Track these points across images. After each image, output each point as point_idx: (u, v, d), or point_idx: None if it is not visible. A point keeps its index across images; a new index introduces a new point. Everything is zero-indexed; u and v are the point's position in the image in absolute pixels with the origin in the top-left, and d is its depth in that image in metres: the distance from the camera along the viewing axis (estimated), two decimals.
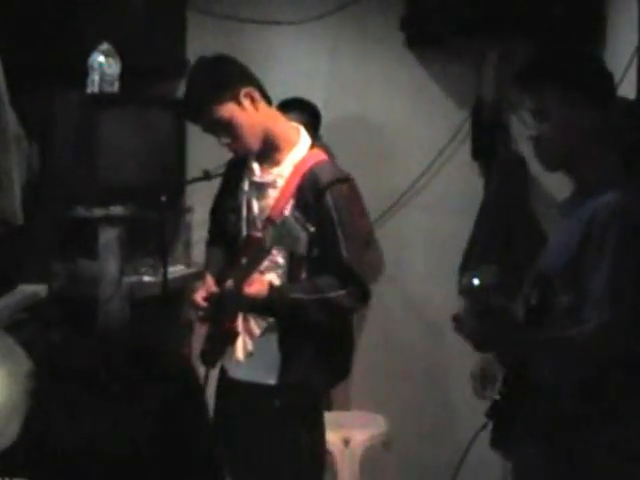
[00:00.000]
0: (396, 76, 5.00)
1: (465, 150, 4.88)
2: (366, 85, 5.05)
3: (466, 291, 2.72)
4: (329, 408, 4.88)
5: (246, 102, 3.19)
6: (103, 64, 4.07)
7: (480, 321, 2.69)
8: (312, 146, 3.30)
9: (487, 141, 4.77)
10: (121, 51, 4.18)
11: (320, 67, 5.07)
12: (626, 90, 3.80)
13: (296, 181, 3.20)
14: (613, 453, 2.63)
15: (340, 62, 5.07)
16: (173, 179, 4.38)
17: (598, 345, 2.56)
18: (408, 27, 4.81)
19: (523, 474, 2.88)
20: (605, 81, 2.82)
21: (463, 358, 4.86)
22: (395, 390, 5.00)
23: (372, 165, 4.98)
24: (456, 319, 2.75)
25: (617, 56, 4.12)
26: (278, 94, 4.59)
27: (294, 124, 3.38)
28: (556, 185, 3.93)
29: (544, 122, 2.71)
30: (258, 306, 3.21)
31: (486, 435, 3.07)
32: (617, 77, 3.94)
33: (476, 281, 2.70)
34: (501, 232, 4.71)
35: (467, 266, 4.89)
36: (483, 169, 4.89)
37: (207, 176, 3.52)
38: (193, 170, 4.54)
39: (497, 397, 2.83)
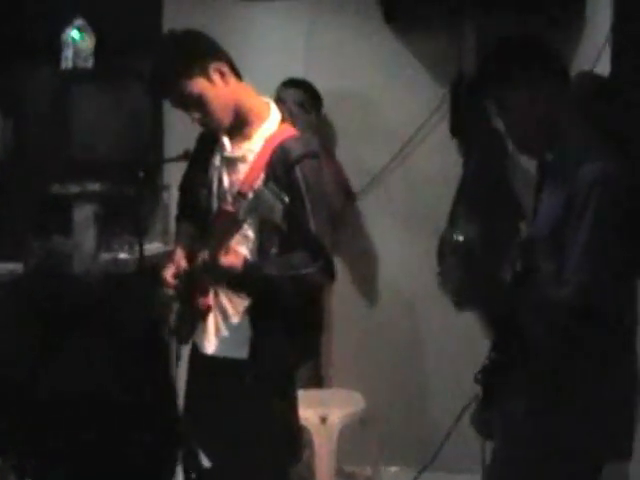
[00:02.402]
0: (374, 51, 4.98)
1: (444, 126, 4.87)
2: (344, 60, 5.02)
3: (452, 248, 2.74)
4: (319, 385, 4.90)
5: (216, 77, 3.17)
6: (77, 40, 4.03)
7: (464, 275, 2.72)
8: (282, 121, 3.28)
9: (466, 117, 4.75)
10: (95, 27, 4.14)
11: (298, 42, 5.04)
12: (604, 66, 3.79)
13: (266, 155, 3.19)
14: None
15: (318, 37, 5.04)
16: (149, 155, 4.36)
17: (576, 306, 2.64)
18: (386, 2, 4.79)
19: (507, 431, 2.90)
20: (555, 59, 2.90)
21: (440, 334, 4.91)
22: (373, 368, 5.00)
23: (351, 141, 4.97)
24: (441, 274, 2.79)
25: (596, 30, 4.10)
26: (256, 70, 4.55)
27: (265, 99, 3.36)
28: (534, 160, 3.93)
29: (510, 113, 2.79)
30: (231, 279, 3.20)
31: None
32: (594, 53, 3.95)
33: (460, 237, 2.74)
34: (481, 208, 4.70)
35: (446, 240, 4.89)
36: (462, 145, 4.87)
37: (187, 156, 3.48)
38: (170, 146, 4.51)
39: (487, 362, 2.88)
